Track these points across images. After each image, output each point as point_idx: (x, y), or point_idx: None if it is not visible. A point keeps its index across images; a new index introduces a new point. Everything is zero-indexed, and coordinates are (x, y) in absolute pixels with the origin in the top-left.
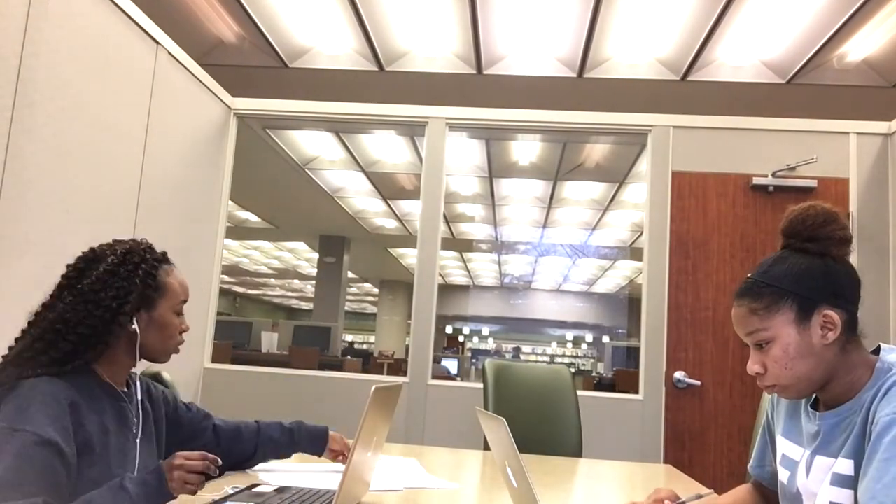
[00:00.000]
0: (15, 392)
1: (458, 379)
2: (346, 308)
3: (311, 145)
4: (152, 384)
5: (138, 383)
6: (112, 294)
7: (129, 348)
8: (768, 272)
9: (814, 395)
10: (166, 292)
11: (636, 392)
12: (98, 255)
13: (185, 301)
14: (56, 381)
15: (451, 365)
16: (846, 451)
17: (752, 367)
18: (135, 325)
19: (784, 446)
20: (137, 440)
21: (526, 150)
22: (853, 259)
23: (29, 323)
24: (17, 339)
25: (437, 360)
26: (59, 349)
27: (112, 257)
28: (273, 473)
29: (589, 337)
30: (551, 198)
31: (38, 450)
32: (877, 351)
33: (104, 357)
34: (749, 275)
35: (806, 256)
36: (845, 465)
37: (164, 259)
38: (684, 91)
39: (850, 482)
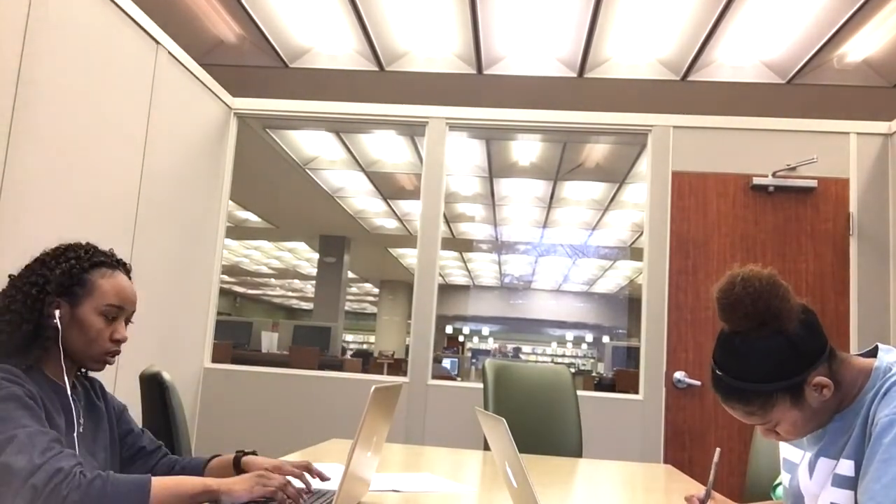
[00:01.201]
0: None
1: (458, 379)
2: (346, 308)
3: (311, 145)
4: (109, 394)
5: (89, 383)
6: (32, 280)
7: (57, 347)
8: (744, 373)
9: None
10: (93, 291)
11: (636, 392)
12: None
13: (118, 307)
14: (6, 361)
15: (450, 364)
16: (847, 452)
17: (767, 436)
18: (56, 320)
19: (785, 450)
20: (75, 434)
21: (526, 150)
22: (853, 259)
23: None
24: None
25: (437, 360)
26: None
27: (50, 251)
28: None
29: (589, 337)
30: (551, 198)
31: (5, 403)
32: (874, 351)
33: (47, 355)
34: (718, 370)
35: (766, 341)
36: (846, 466)
37: (108, 263)
38: (684, 91)
39: (851, 483)
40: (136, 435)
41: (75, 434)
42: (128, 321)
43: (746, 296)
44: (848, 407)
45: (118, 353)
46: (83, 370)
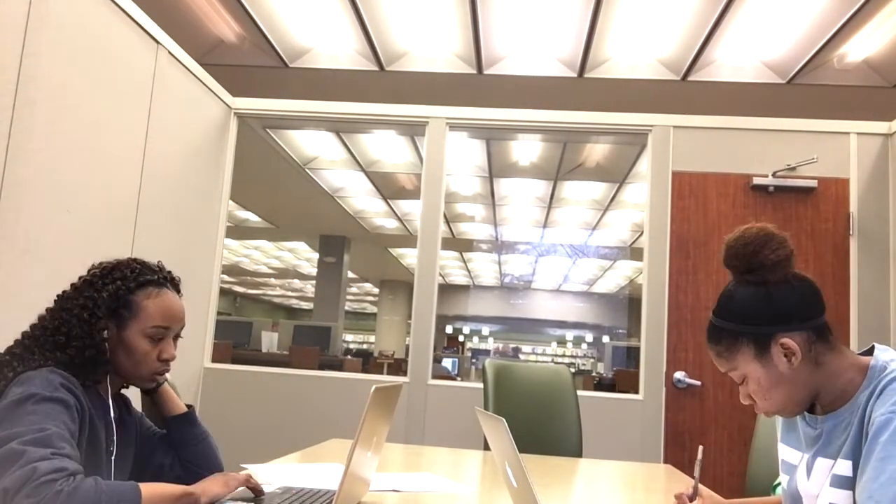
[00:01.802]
0: (17, 380)
1: (459, 379)
2: (346, 308)
3: (311, 145)
4: (131, 406)
5: (122, 399)
6: (80, 304)
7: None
8: (719, 312)
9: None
10: (138, 314)
11: (636, 392)
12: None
13: (164, 328)
14: (57, 370)
15: (450, 364)
16: (844, 451)
17: (742, 399)
18: (105, 342)
19: (783, 451)
20: (112, 457)
21: (526, 150)
22: (853, 259)
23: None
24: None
25: (437, 360)
26: (45, 354)
27: (98, 269)
28: (273, 473)
29: (589, 337)
30: (551, 198)
31: (46, 404)
32: (870, 351)
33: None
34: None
35: (749, 288)
36: (844, 466)
37: (156, 281)
38: (684, 91)
39: (849, 483)
40: (159, 439)
41: (112, 451)
42: (178, 336)
43: (741, 241)
44: (844, 406)
45: (167, 370)
46: (126, 386)
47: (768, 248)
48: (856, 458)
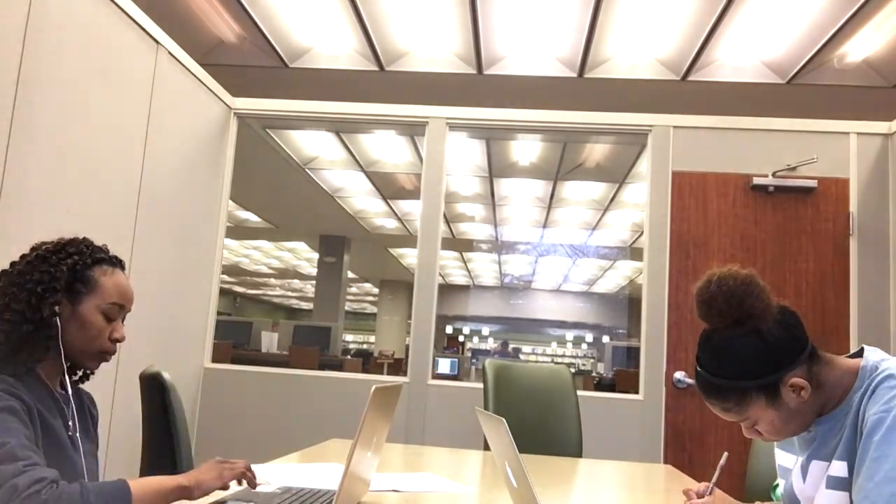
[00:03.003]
0: None
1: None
2: (346, 308)
3: (311, 145)
4: (89, 399)
5: (74, 388)
6: (37, 278)
7: (58, 346)
8: (720, 370)
9: None
10: (95, 289)
11: (636, 392)
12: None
13: (119, 305)
14: (2, 370)
15: (444, 364)
16: (839, 452)
17: (749, 435)
18: (57, 317)
19: (779, 456)
20: (77, 434)
21: (526, 150)
22: (853, 259)
23: None
24: None
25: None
26: None
27: (49, 245)
28: (273, 473)
29: (589, 337)
30: (551, 198)
31: (2, 414)
32: (860, 353)
33: (44, 356)
34: (699, 367)
35: (742, 339)
36: (839, 467)
37: (108, 260)
38: (684, 91)
39: (844, 483)
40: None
41: (69, 434)
42: (123, 319)
43: (721, 294)
44: (836, 408)
45: (115, 352)
46: (78, 377)
47: (752, 296)
48: (850, 459)
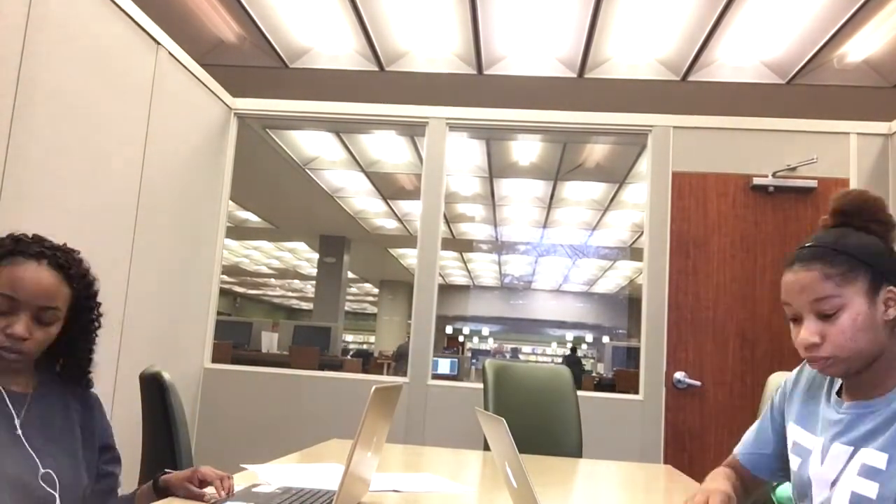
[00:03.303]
0: None
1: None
2: (346, 308)
3: (311, 145)
4: (104, 417)
5: (81, 394)
6: None
7: None
8: (839, 242)
9: (839, 383)
10: None
11: (636, 392)
12: None
13: (9, 298)
14: None
15: (444, 364)
16: (881, 443)
17: (810, 337)
18: None
19: (796, 434)
20: (16, 434)
21: (526, 150)
22: None
23: None
24: None
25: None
26: None
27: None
28: (273, 473)
29: (589, 337)
30: (551, 198)
31: None
32: None
33: None
34: (809, 243)
35: (870, 236)
36: (878, 458)
37: (21, 252)
38: (684, 91)
39: (881, 475)
40: (112, 478)
41: (16, 433)
42: (45, 320)
43: (863, 196)
44: (878, 398)
45: (19, 352)
46: (70, 372)
47: (885, 211)
48: (893, 453)
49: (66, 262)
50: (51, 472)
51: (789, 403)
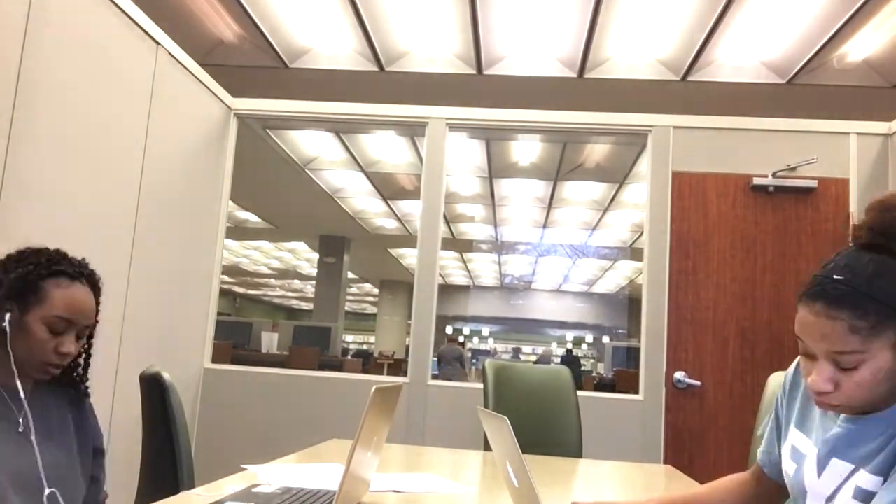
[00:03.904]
0: None
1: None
2: (346, 308)
3: (311, 145)
4: (97, 424)
5: (77, 398)
6: None
7: (6, 350)
8: (875, 284)
9: None
10: (43, 300)
11: (636, 392)
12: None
13: (66, 320)
14: None
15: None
16: (877, 466)
17: (823, 385)
18: (6, 322)
19: (795, 438)
20: (19, 432)
21: (526, 150)
22: None
23: None
24: None
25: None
26: None
27: (15, 252)
28: (273, 473)
29: (589, 337)
30: (551, 198)
31: None
32: None
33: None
34: (839, 276)
35: None
36: (873, 482)
37: (69, 273)
38: (684, 91)
39: (872, 500)
40: (95, 485)
41: (19, 431)
42: (82, 336)
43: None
44: (877, 414)
45: (62, 366)
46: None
47: None
48: (886, 475)
49: (96, 281)
50: (52, 468)
51: (790, 404)
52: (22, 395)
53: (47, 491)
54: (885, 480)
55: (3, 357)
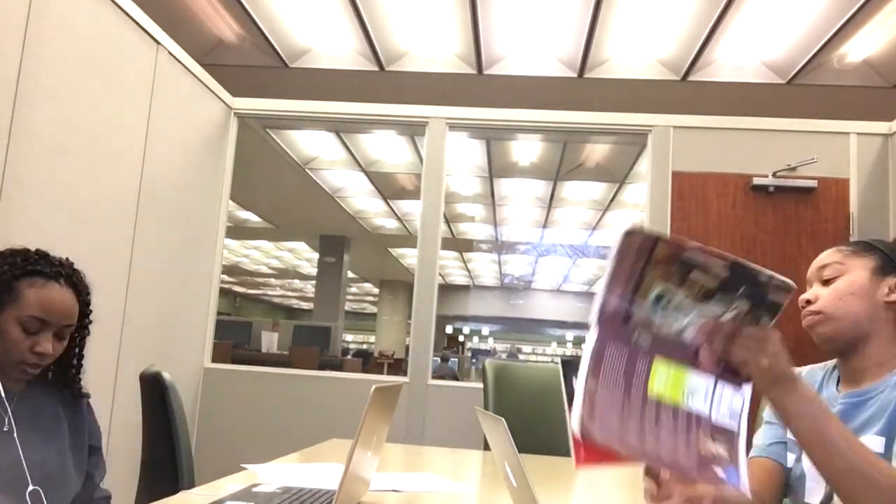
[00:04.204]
0: None
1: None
2: (346, 308)
3: (311, 145)
4: (95, 421)
5: (70, 393)
6: None
7: None
8: (871, 239)
9: (837, 377)
10: (16, 300)
11: None
12: None
13: (40, 319)
14: None
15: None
16: (880, 429)
17: (808, 295)
18: None
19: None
20: (3, 430)
21: (526, 150)
22: None
23: None
24: None
25: (444, 360)
26: None
27: None
28: (273, 473)
29: None
30: (551, 198)
31: None
32: None
33: None
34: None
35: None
36: (876, 443)
37: (47, 273)
38: (684, 91)
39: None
40: (90, 481)
41: (3, 430)
42: (63, 336)
43: None
44: (873, 383)
45: (39, 366)
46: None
47: None
48: (890, 434)
49: (77, 280)
50: (37, 466)
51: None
52: (2, 394)
53: (30, 488)
54: (887, 440)
55: None
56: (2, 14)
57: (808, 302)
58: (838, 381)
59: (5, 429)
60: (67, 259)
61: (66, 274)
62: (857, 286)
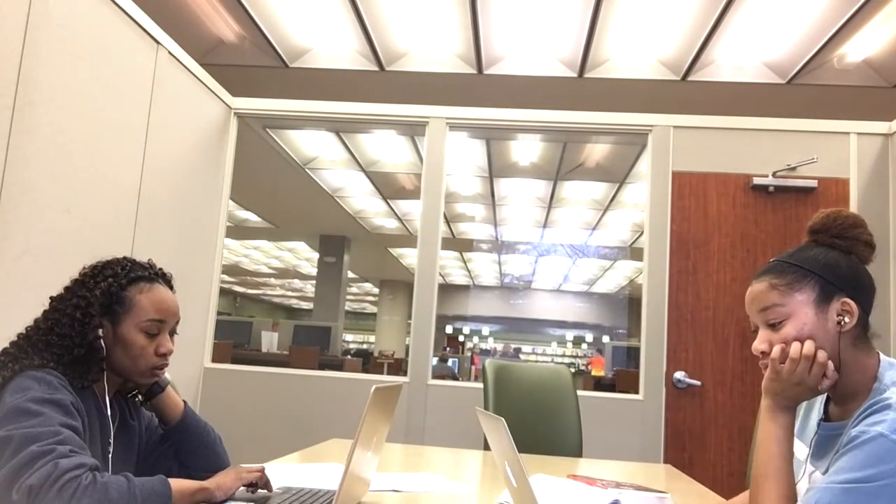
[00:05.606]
0: (13, 382)
1: (459, 378)
2: (346, 308)
3: (311, 145)
4: (142, 409)
5: (125, 402)
6: (74, 303)
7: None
8: (794, 255)
9: (827, 401)
10: (132, 308)
11: (636, 392)
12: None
13: (159, 321)
14: (52, 372)
15: (452, 365)
16: (824, 467)
17: (759, 345)
18: (101, 340)
19: (796, 445)
20: (109, 458)
21: (526, 150)
22: None
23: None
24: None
25: (443, 360)
26: (40, 356)
27: (87, 269)
28: (273, 473)
29: (589, 337)
30: (551, 198)
31: (49, 405)
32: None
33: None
34: (772, 259)
35: (832, 250)
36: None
37: (146, 277)
38: (684, 91)
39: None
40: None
41: (110, 455)
42: (173, 332)
43: (842, 214)
44: (845, 420)
45: (166, 365)
46: (128, 390)
47: (864, 229)
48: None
49: (169, 278)
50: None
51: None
52: (108, 412)
53: None
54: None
55: (98, 375)
56: (2, 14)
57: (764, 353)
58: (828, 404)
59: (110, 451)
60: (150, 260)
61: (161, 273)
62: (807, 329)
